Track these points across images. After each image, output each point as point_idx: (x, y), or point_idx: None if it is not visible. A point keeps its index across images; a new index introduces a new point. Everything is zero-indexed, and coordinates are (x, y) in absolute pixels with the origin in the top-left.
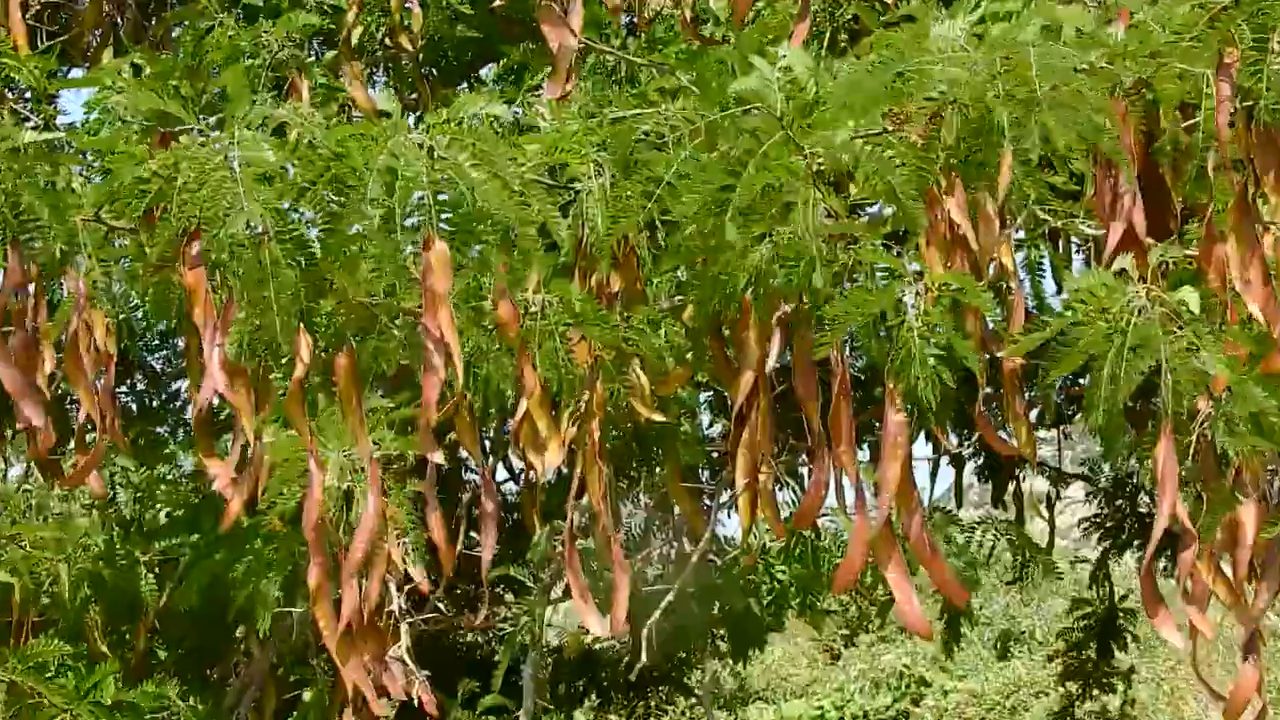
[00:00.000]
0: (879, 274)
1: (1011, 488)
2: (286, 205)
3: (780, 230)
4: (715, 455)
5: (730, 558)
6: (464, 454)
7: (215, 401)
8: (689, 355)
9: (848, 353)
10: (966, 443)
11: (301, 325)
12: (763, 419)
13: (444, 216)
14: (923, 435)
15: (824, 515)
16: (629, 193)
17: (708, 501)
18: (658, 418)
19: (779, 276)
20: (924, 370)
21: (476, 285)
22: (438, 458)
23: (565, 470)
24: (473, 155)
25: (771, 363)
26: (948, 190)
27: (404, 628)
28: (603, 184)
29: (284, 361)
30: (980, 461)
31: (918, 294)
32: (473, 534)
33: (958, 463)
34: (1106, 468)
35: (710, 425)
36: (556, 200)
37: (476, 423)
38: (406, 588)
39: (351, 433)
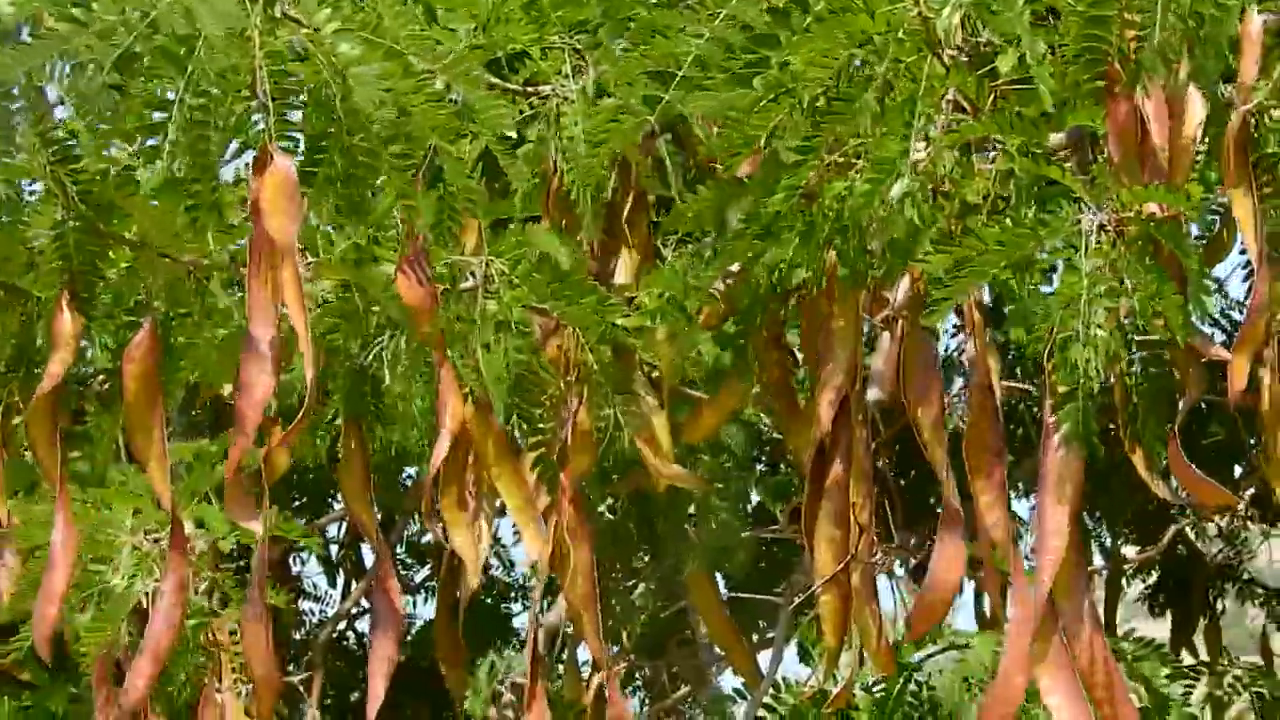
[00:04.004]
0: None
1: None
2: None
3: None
4: (772, 545)
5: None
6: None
7: None
8: (732, 370)
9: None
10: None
11: (66, 295)
12: (856, 469)
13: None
14: None
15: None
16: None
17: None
18: (680, 478)
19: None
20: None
21: (369, 242)
22: (257, 528)
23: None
24: (342, 19)
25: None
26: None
27: None
28: (584, 84)
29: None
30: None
31: (1100, 227)
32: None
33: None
34: None
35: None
36: (506, 107)
37: (367, 477)
38: None
39: (147, 471)
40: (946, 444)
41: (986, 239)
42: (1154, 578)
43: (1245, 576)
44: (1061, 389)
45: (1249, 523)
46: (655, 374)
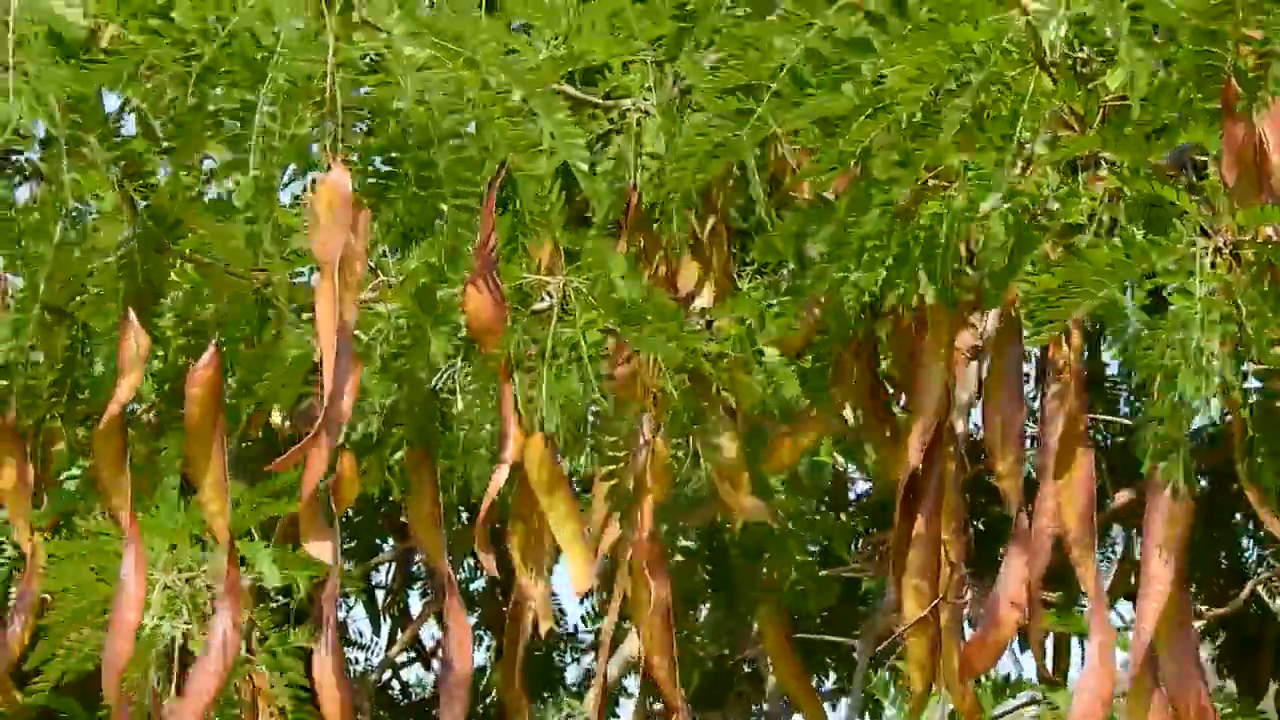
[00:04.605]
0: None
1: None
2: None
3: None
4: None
5: None
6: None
7: None
8: (813, 400)
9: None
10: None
11: (133, 315)
12: (948, 504)
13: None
14: None
15: None
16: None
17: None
18: (759, 513)
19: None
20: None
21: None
22: (329, 557)
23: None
24: (413, 21)
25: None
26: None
27: None
28: (667, 99)
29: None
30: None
31: (1216, 250)
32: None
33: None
34: None
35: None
36: (586, 124)
37: (436, 504)
38: None
39: (204, 504)
40: (1022, 479)
41: (1095, 260)
42: (1223, 636)
43: None
44: (1169, 421)
45: None
46: (732, 403)
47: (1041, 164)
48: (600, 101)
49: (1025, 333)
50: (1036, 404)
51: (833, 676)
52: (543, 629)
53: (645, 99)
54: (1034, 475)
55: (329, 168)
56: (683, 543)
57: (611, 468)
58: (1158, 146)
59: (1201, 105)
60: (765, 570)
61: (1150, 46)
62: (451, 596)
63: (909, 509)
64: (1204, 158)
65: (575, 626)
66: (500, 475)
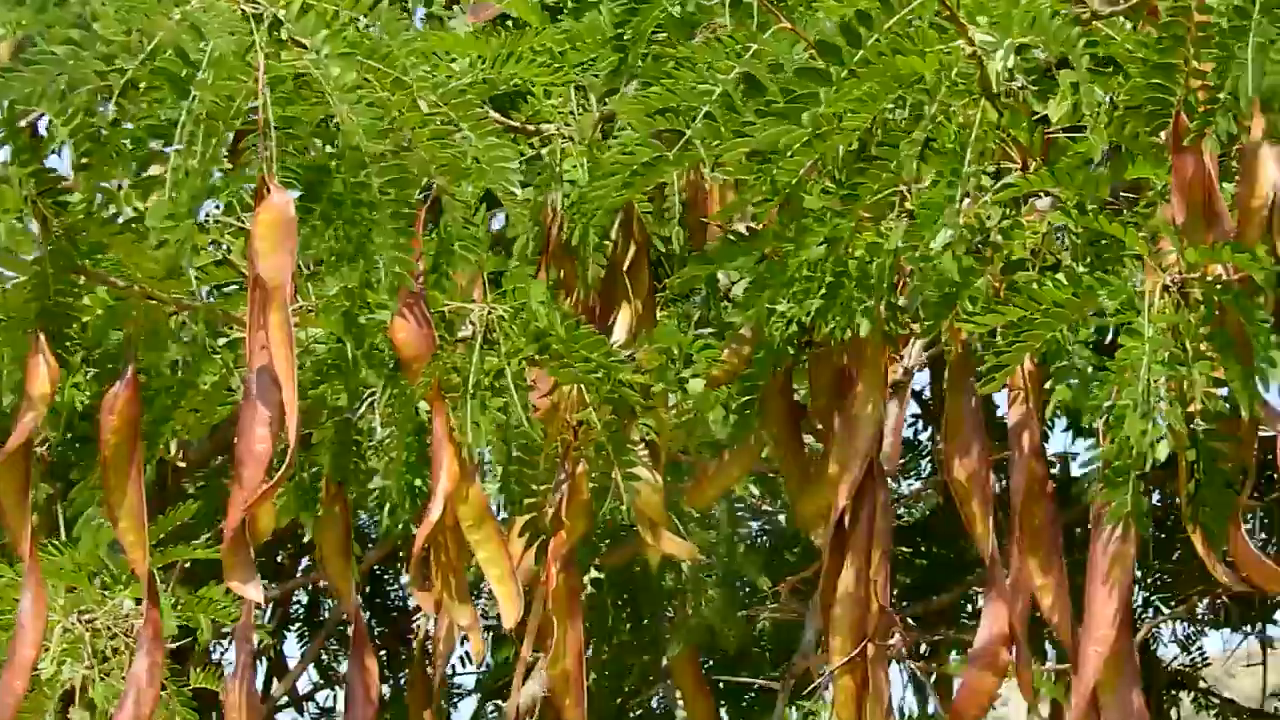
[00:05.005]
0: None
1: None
2: None
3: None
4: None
5: None
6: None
7: None
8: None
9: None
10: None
11: (43, 338)
12: (878, 542)
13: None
14: None
15: None
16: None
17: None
18: (679, 550)
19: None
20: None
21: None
22: (257, 594)
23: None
24: (342, 41)
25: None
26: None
27: None
28: (588, 121)
29: None
30: None
31: (1164, 288)
32: None
33: None
34: None
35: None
36: (512, 157)
37: (348, 538)
38: None
39: (121, 536)
40: (993, 515)
41: (1043, 299)
42: None
43: (1202, 685)
44: (1115, 463)
45: (1207, 629)
46: (651, 437)
47: (992, 198)
48: (522, 126)
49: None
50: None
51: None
52: (475, 655)
53: (568, 124)
54: None
55: (267, 190)
56: (592, 574)
57: (530, 500)
58: (1104, 180)
59: (1148, 140)
60: (677, 606)
61: (1099, 77)
62: (359, 636)
63: (838, 546)
64: (1130, 195)
65: (454, 668)
66: (435, 510)
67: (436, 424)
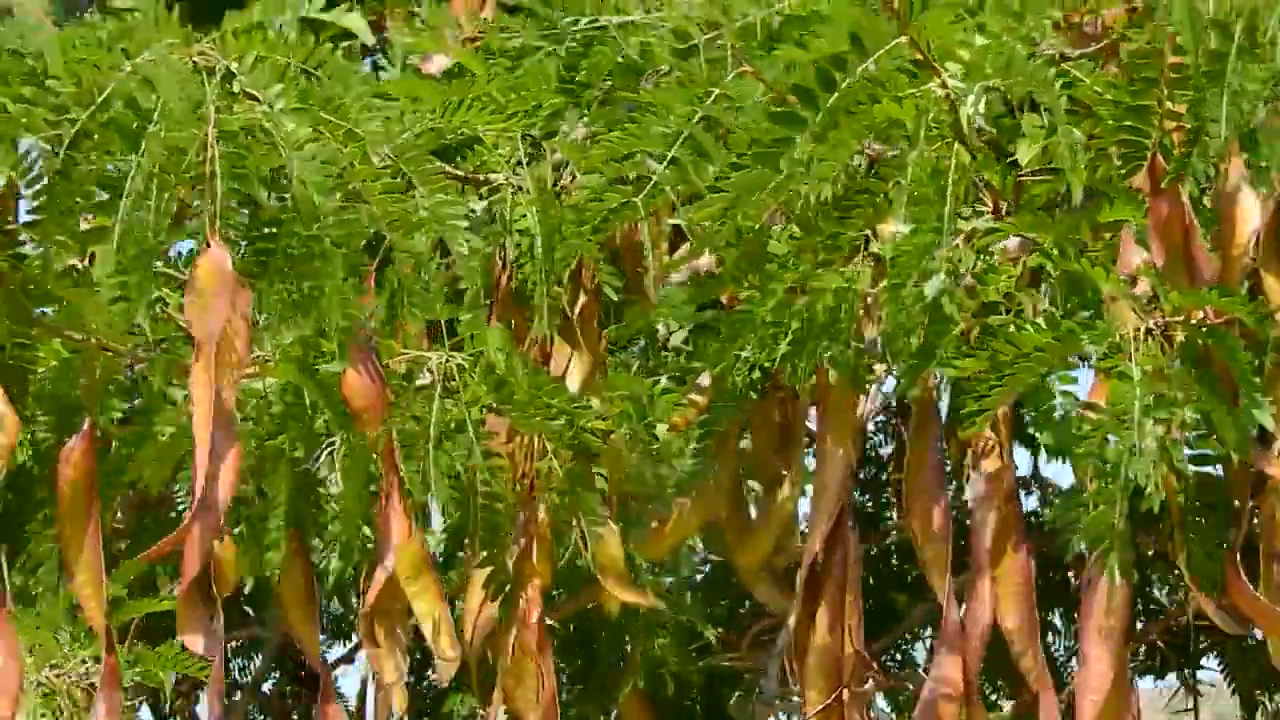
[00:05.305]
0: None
1: None
2: None
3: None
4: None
5: None
6: None
7: None
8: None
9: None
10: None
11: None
12: (851, 588)
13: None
14: None
15: None
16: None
17: None
18: (639, 598)
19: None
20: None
21: (317, 335)
22: (212, 650)
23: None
24: (295, 95)
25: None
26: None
27: None
28: (540, 175)
29: None
30: None
31: (1148, 332)
32: None
33: None
34: None
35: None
36: (461, 210)
37: (310, 587)
38: None
39: (77, 589)
40: (949, 561)
41: (1023, 343)
42: None
43: None
44: (1106, 508)
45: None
46: (603, 486)
47: (976, 242)
48: (470, 175)
49: (946, 421)
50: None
51: None
52: (397, 709)
53: (517, 174)
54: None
55: (207, 244)
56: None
57: (485, 553)
58: (1083, 223)
59: (1122, 184)
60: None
61: (1074, 118)
62: (327, 689)
63: (811, 594)
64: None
65: None
66: (388, 563)
67: (387, 478)
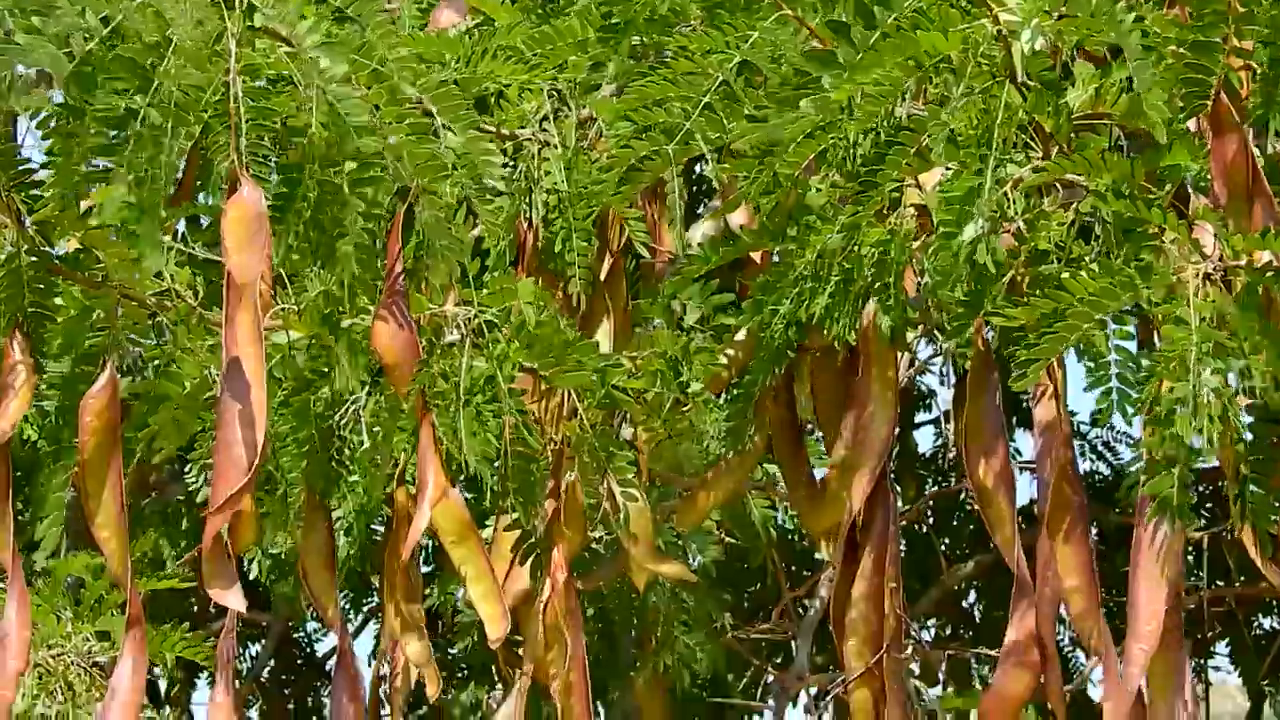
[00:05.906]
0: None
1: None
2: None
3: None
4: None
5: None
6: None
7: None
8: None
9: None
10: None
11: (19, 337)
12: (891, 551)
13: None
14: None
15: None
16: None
17: None
18: (669, 571)
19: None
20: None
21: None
22: (238, 603)
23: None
24: (324, 31)
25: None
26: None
27: None
28: (569, 126)
29: None
30: None
31: (1205, 275)
32: None
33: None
34: None
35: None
36: (495, 152)
37: (331, 550)
38: None
39: (101, 540)
40: (1016, 518)
41: (1076, 290)
42: None
43: None
44: (1159, 455)
45: None
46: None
47: (1022, 186)
48: (496, 132)
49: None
50: None
51: None
52: (430, 695)
53: (543, 130)
54: None
55: (237, 184)
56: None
57: (516, 515)
58: (1139, 165)
59: (1181, 126)
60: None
61: (1149, 52)
62: (344, 650)
63: (850, 557)
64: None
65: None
66: (420, 522)
67: (423, 433)
